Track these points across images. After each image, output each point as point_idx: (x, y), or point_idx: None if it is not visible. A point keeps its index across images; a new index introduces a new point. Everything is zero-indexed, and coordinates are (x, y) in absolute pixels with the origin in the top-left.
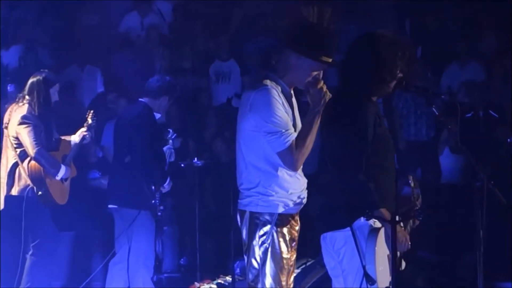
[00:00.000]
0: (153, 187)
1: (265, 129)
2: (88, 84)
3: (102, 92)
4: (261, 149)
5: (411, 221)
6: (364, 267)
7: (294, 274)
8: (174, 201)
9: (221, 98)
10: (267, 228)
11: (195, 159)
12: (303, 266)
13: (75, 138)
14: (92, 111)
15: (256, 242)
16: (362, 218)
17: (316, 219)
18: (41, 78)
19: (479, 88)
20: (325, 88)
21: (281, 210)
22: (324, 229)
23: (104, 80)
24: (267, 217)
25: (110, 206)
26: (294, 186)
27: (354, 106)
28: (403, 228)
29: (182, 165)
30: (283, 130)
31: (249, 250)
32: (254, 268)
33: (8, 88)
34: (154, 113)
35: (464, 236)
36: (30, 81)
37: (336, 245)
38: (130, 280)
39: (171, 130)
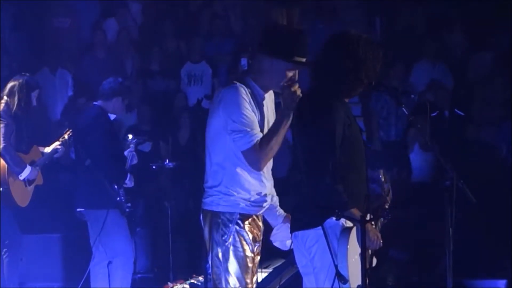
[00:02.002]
0: (115, 186)
1: (231, 127)
2: (60, 88)
3: (72, 96)
4: (226, 147)
5: (381, 218)
6: (336, 267)
7: (266, 274)
8: (146, 203)
9: (193, 100)
10: (227, 227)
11: (167, 160)
12: (275, 265)
13: (48, 149)
14: (70, 130)
15: (218, 241)
16: (332, 217)
17: (292, 219)
18: (23, 81)
19: (445, 87)
20: (298, 92)
21: (241, 210)
22: (296, 227)
23: (74, 84)
24: (228, 216)
25: (78, 209)
26: (257, 188)
27: (323, 107)
28: (374, 227)
29: (154, 167)
30: (249, 129)
31: (212, 250)
32: (217, 267)
33: None
34: (109, 114)
35: (434, 234)
36: (10, 83)
37: (307, 243)
38: (110, 280)
39: (131, 136)
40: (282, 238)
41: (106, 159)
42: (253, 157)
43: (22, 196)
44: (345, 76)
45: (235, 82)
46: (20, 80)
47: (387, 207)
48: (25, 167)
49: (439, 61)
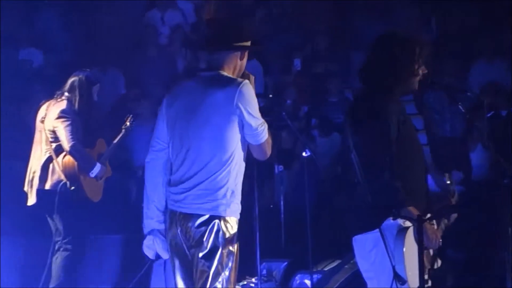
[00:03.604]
0: None
1: (254, 121)
2: (110, 86)
3: (124, 95)
4: (234, 145)
5: (445, 219)
6: (393, 267)
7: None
8: None
9: None
10: (234, 231)
11: None
12: (330, 266)
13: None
14: (131, 115)
15: (225, 246)
16: (390, 218)
17: (345, 222)
18: (83, 77)
19: (504, 86)
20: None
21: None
22: (354, 231)
23: (126, 82)
24: (234, 222)
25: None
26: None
27: (376, 106)
28: (433, 226)
29: None
30: (263, 122)
31: (217, 255)
32: (218, 274)
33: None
34: None
35: (493, 233)
36: (71, 79)
37: (366, 247)
38: (166, 279)
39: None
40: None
41: None
42: (268, 146)
43: (94, 191)
44: (387, 74)
45: (239, 79)
46: (80, 76)
47: (450, 208)
48: (95, 164)
49: (498, 59)
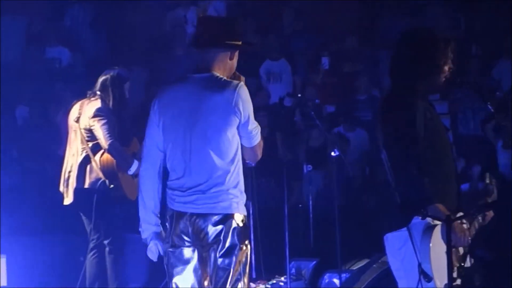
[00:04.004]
0: None
1: (250, 124)
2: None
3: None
4: (235, 146)
5: (479, 217)
6: (419, 265)
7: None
8: None
9: (273, 97)
10: (246, 228)
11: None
12: (358, 266)
13: None
14: None
15: (242, 243)
16: (418, 217)
17: (375, 220)
18: (114, 74)
19: None
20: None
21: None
22: (384, 230)
23: (151, 81)
24: (244, 219)
25: None
26: None
27: (402, 103)
28: (462, 224)
29: None
30: (257, 124)
31: (236, 252)
32: (237, 270)
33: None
34: None
35: None
36: (102, 78)
37: (396, 245)
38: None
39: None
40: None
41: None
42: (260, 148)
43: (132, 189)
44: (411, 71)
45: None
46: (111, 73)
47: (484, 207)
48: (133, 162)
49: None
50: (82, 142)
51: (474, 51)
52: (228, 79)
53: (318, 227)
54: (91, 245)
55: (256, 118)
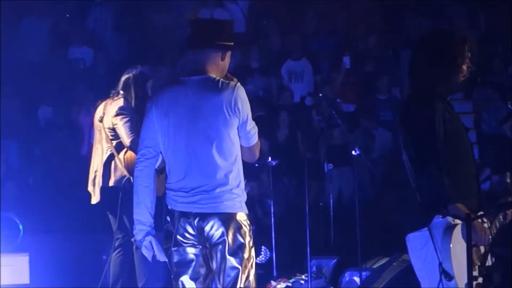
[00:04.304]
0: None
1: (249, 124)
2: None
3: None
4: (235, 148)
5: (500, 216)
6: (440, 264)
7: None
8: (248, 201)
9: (295, 97)
10: (250, 226)
11: (269, 158)
12: (379, 264)
13: None
14: None
15: (247, 242)
16: (439, 215)
17: (396, 220)
18: (137, 73)
19: None
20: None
21: None
22: (405, 230)
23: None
24: (247, 217)
25: None
26: None
27: (421, 104)
28: (483, 223)
29: (256, 165)
30: (255, 124)
31: (243, 250)
32: (246, 267)
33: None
34: None
35: None
36: (124, 77)
37: (418, 245)
38: None
39: None
40: None
41: None
42: (258, 148)
43: (157, 185)
44: (429, 71)
45: (233, 81)
46: (134, 72)
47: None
48: None
49: None
50: (106, 141)
51: (494, 50)
52: (225, 81)
53: (339, 226)
54: (116, 243)
55: (277, 117)
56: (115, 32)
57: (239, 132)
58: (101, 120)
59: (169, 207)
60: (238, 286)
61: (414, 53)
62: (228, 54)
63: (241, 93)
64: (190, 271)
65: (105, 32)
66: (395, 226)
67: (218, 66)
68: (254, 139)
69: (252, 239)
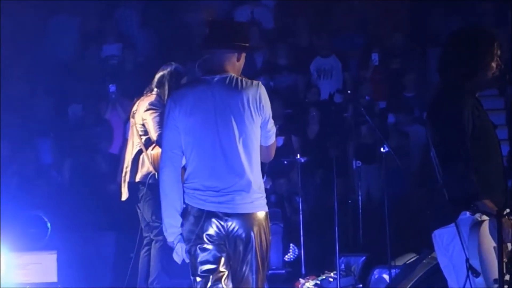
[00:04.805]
0: None
1: (269, 122)
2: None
3: None
4: (258, 145)
5: None
6: (467, 260)
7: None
8: (277, 198)
9: (323, 94)
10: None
11: (298, 155)
12: (408, 261)
13: None
14: None
15: (268, 239)
16: (467, 212)
17: (424, 216)
18: (171, 70)
19: None
20: None
21: None
22: (432, 227)
23: None
24: (267, 215)
25: None
26: None
27: (450, 100)
28: (509, 219)
29: (285, 162)
30: (274, 124)
31: (264, 247)
32: (265, 262)
33: (110, 88)
34: None
35: None
36: (159, 74)
37: (444, 242)
38: None
39: None
40: None
41: None
42: (274, 148)
43: None
44: (468, 69)
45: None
46: (168, 69)
47: None
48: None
49: None
50: (137, 137)
51: None
52: (247, 79)
53: (368, 223)
54: (145, 241)
55: (307, 114)
56: (145, 29)
57: (260, 130)
58: (133, 116)
59: (193, 206)
60: (259, 285)
61: (444, 49)
62: (243, 55)
63: (264, 92)
64: (213, 269)
65: (134, 29)
66: (424, 223)
67: (234, 66)
68: (273, 138)
69: (270, 235)
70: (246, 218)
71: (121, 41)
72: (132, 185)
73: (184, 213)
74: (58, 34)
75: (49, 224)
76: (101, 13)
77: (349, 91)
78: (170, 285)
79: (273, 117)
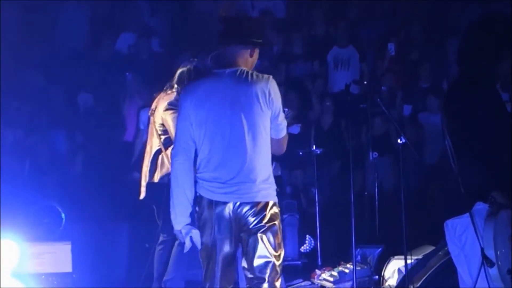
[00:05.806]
0: None
1: (280, 116)
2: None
3: None
4: (267, 137)
5: None
6: (482, 250)
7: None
8: (293, 190)
9: (340, 84)
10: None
11: (314, 146)
12: (424, 253)
13: None
14: None
15: (279, 228)
16: (480, 202)
17: (439, 207)
18: (191, 67)
19: None
20: None
21: None
22: (446, 216)
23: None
24: (277, 204)
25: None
26: None
27: (466, 90)
28: None
29: (301, 153)
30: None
31: (277, 234)
32: (279, 248)
33: (127, 76)
34: None
35: None
36: (179, 70)
37: (457, 232)
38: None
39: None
40: None
41: None
42: (285, 141)
43: None
44: (485, 59)
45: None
46: (188, 66)
47: None
48: None
49: None
50: (156, 136)
51: None
52: (258, 73)
53: (384, 214)
54: (161, 238)
55: (321, 105)
56: (159, 19)
57: (271, 124)
58: (152, 114)
59: (203, 196)
60: (271, 273)
61: (463, 38)
62: (257, 51)
63: (274, 86)
64: (225, 255)
65: (149, 19)
66: (440, 214)
67: (248, 61)
68: (284, 131)
69: (280, 223)
70: (253, 207)
71: (135, 30)
72: (150, 185)
73: (197, 202)
74: (69, 23)
75: (63, 215)
76: (113, 2)
77: (365, 82)
78: (187, 278)
79: (289, 106)
